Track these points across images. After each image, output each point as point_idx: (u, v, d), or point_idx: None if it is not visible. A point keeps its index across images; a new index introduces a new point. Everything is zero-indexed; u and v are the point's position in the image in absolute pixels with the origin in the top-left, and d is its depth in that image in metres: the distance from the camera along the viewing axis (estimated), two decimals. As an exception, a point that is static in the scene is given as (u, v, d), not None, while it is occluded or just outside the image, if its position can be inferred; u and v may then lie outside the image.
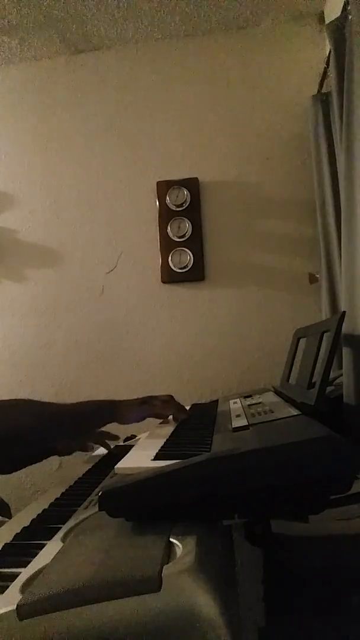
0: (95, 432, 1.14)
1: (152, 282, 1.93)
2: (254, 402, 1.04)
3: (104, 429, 1.13)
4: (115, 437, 1.18)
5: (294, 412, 0.79)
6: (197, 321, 1.91)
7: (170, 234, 1.90)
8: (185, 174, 1.93)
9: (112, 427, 1.10)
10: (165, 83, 1.98)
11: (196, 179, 1.92)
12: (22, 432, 0.95)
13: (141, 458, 0.74)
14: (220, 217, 1.92)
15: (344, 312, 0.94)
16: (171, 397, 1.10)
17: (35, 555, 0.57)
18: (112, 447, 1.18)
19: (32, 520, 0.73)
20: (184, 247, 1.89)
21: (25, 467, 1.11)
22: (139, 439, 1.14)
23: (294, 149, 1.88)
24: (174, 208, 1.91)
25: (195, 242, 1.90)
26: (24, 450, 1.04)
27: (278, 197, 1.89)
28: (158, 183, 1.93)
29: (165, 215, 1.92)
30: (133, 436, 1.25)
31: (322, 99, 1.63)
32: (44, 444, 1.06)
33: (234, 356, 1.87)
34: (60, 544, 0.60)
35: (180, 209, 1.90)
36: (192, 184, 1.91)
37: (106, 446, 1.18)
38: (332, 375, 1.17)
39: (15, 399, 1.02)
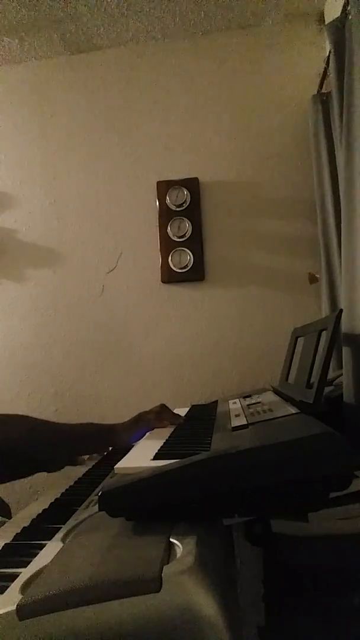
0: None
1: (152, 282, 1.93)
2: (253, 401, 1.04)
3: None
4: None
5: (292, 410, 0.79)
6: (197, 321, 1.90)
7: (170, 234, 1.90)
8: (185, 174, 1.93)
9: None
10: (165, 83, 1.98)
11: (196, 179, 1.92)
12: (16, 448, 0.95)
13: (141, 458, 0.74)
14: (220, 217, 1.92)
15: (341, 309, 0.94)
16: (163, 406, 1.10)
17: (35, 555, 0.57)
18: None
19: (32, 520, 0.73)
20: (184, 247, 1.89)
21: (11, 481, 1.12)
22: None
23: (294, 149, 1.88)
24: (174, 208, 1.91)
25: (195, 242, 1.90)
26: (15, 465, 1.04)
27: (278, 197, 1.89)
28: (158, 183, 1.93)
29: (165, 215, 1.92)
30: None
31: (322, 99, 1.63)
32: (36, 461, 1.06)
33: (234, 356, 1.87)
34: (60, 544, 0.60)
35: (180, 209, 1.90)
36: (192, 184, 1.91)
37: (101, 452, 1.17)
38: (332, 375, 1.18)
39: (14, 414, 1.01)
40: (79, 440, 1.05)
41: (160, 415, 1.07)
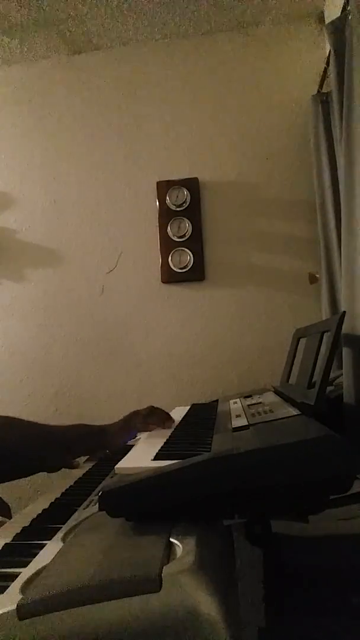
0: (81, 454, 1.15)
1: (152, 282, 1.93)
2: (254, 402, 1.04)
3: None
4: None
5: (293, 412, 0.79)
6: (197, 321, 1.90)
7: (170, 234, 1.90)
8: (185, 174, 1.93)
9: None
10: (165, 83, 1.98)
11: (196, 179, 1.92)
12: (9, 451, 0.95)
13: (141, 458, 0.74)
14: (220, 217, 1.92)
15: (344, 312, 0.94)
16: (152, 408, 1.10)
17: (35, 555, 0.57)
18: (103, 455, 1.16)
19: (32, 520, 0.73)
20: (184, 247, 1.89)
21: (9, 481, 1.12)
22: (139, 438, 1.14)
23: (294, 149, 1.88)
24: (174, 208, 1.91)
25: (195, 242, 1.90)
26: (9, 468, 1.04)
27: (278, 197, 1.89)
28: (158, 183, 1.93)
29: (165, 215, 1.92)
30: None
31: (322, 99, 1.63)
32: (30, 464, 1.06)
33: (234, 356, 1.87)
34: (60, 544, 0.60)
35: (180, 209, 1.90)
36: (192, 184, 1.91)
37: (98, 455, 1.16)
38: (332, 375, 1.17)
39: (4, 417, 1.01)
40: (70, 442, 1.04)
41: (147, 418, 1.06)
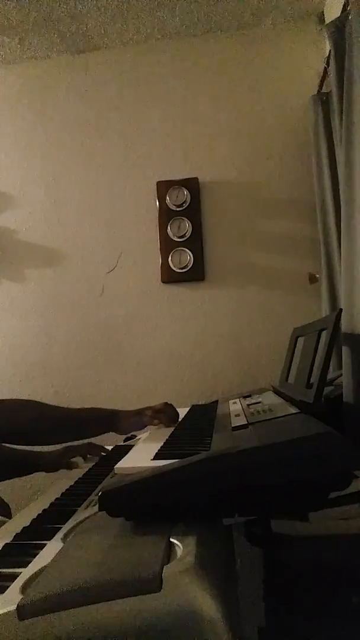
0: (88, 441, 1.17)
1: (152, 282, 1.93)
2: (253, 401, 1.04)
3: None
4: (102, 448, 1.18)
5: (292, 410, 0.79)
6: (197, 321, 1.90)
7: (170, 234, 1.90)
8: (185, 174, 1.93)
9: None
10: (165, 83, 1.98)
11: (196, 179, 1.92)
12: (25, 430, 1.01)
13: (141, 458, 0.74)
14: (220, 217, 1.92)
15: (341, 309, 0.94)
16: (165, 405, 1.11)
17: (35, 555, 0.57)
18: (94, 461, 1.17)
19: (32, 520, 0.73)
20: (184, 247, 1.89)
21: (9, 478, 1.15)
22: (139, 439, 1.14)
23: (294, 149, 1.88)
24: (174, 208, 1.91)
25: (195, 242, 1.90)
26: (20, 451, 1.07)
27: (278, 197, 1.89)
28: (158, 183, 1.93)
29: (165, 215, 1.91)
30: (133, 436, 1.25)
31: (322, 99, 1.63)
32: (43, 444, 1.09)
33: (234, 356, 1.86)
34: (60, 544, 0.60)
35: (180, 209, 1.90)
36: (192, 184, 1.91)
37: (95, 453, 1.17)
38: (332, 375, 1.18)
39: (21, 399, 1.06)
40: (83, 424, 1.10)
41: (156, 413, 1.08)
